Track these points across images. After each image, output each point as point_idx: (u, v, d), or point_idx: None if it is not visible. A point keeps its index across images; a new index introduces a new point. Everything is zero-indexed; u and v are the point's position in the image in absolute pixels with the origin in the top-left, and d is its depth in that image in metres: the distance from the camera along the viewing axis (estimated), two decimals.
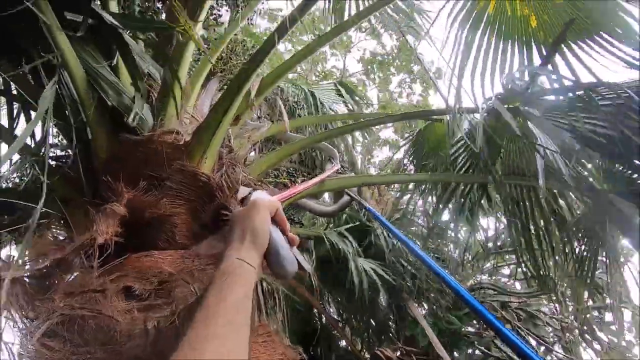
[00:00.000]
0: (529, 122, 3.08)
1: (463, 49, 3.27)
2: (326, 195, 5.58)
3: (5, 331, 1.82)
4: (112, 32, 2.36)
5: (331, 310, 5.49)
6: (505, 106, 3.12)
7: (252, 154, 2.99)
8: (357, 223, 4.93)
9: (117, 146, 2.19)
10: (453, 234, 4.18)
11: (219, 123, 2.11)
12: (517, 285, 7.79)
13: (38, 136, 3.03)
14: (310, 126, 4.66)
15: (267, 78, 2.63)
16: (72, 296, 1.64)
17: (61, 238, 3.98)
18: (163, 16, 3.47)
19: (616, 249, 3.42)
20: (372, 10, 2.75)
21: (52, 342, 1.54)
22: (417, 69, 13.10)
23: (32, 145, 2.92)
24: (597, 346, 6.97)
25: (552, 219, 3.47)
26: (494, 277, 7.29)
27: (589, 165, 3.28)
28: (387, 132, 12.63)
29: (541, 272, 3.70)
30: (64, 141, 3.36)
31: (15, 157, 3.43)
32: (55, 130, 2.86)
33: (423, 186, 4.00)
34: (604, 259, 3.51)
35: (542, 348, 5.96)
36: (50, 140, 2.96)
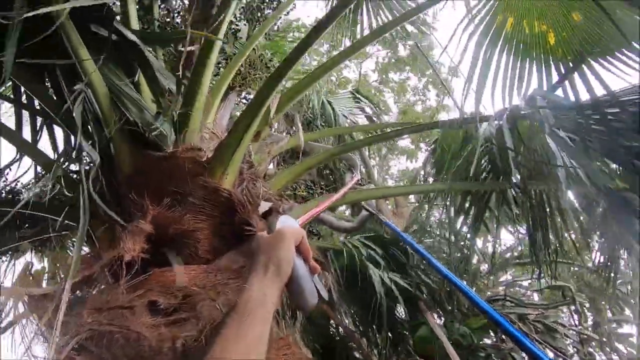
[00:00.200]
0: (548, 131, 3.08)
1: (481, 65, 3.28)
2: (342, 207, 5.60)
3: (34, 345, 1.86)
4: (133, 49, 2.42)
5: (347, 321, 5.48)
6: (523, 112, 3.14)
7: (271, 165, 3.03)
8: (375, 234, 4.92)
9: (140, 162, 2.24)
10: (472, 244, 4.13)
11: (240, 140, 2.15)
12: (535, 297, 7.74)
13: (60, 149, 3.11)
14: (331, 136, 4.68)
15: (286, 94, 2.67)
16: (100, 312, 1.68)
17: (84, 252, 4.05)
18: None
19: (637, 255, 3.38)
20: (394, 26, 2.78)
21: (81, 357, 1.58)
22: (431, 73, 13.08)
23: (56, 159, 3.00)
24: (615, 358, 6.90)
25: (574, 223, 3.44)
26: (511, 289, 7.24)
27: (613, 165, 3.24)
28: (404, 141, 12.60)
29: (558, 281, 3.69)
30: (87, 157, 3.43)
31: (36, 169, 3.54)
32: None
33: (442, 196, 3.97)
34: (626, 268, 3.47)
35: None
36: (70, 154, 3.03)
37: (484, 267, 5.63)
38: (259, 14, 3.78)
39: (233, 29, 3.55)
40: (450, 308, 5.10)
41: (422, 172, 4.17)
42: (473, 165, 3.26)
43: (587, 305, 7.38)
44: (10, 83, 3.22)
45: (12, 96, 3.15)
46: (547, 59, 3.41)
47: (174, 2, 3.50)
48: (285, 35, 4.50)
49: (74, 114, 2.07)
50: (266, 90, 2.21)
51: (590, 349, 6.56)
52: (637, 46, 3.02)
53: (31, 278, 4.83)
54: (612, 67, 3.13)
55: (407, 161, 12.99)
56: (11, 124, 3.02)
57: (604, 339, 7.00)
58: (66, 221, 2.35)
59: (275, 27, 4.32)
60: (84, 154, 3.53)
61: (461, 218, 3.81)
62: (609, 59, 3.16)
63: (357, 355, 5.56)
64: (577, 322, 6.93)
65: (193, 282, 1.85)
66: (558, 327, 6.00)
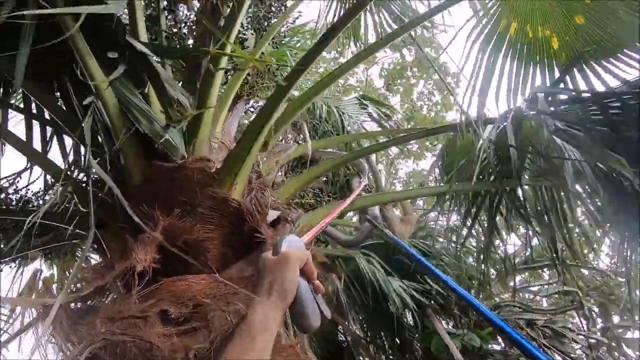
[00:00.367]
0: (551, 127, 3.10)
1: (485, 69, 3.30)
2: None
3: (49, 355, 1.89)
4: (142, 60, 2.44)
5: (355, 327, 5.49)
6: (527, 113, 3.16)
7: (279, 174, 3.04)
8: (383, 241, 4.93)
9: (150, 172, 2.27)
10: (485, 248, 4.11)
11: (248, 150, 2.17)
12: (544, 302, 7.71)
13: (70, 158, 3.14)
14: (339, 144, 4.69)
15: (294, 103, 2.69)
16: (113, 321, 1.70)
17: (94, 261, 4.09)
18: (190, 41, 3.58)
19: None
20: (401, 33, 2.80)
21: None
22: (436, 78, 13.08)
23: (66, 169, 3.03)
24: None
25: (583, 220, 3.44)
26: (520, 294, 7.22)
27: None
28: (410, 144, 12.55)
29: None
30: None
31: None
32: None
33: (452, 198, 3.96)
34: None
35: None
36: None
37: (493, 272, 5.61)
38: (266, 23, 3.81)
39: (240, 38, 3.57)
40: (458, 314, 5.11)
41: (430, 177, 4.16)
42: (480, 166, 3.26)
43: (596, 309, 7.36)
44: (20, 93, 3.26)
45: (22, 106, 3.17)
46: (551, 63, 3.43)
47: (180, 13, 3.53)
48: (289, 41, 4.53)
49: (83, 126, 2.10)
50: (274, 100, 2.23)
51: (599, 354, 6.53)
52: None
53: (40, 285, 4.88)
54: (614, 68, 3.15)
55: (414, 163, 13.02)
56: (21, 133, 3.05)
57: (613, 344, 6.97)
58: (77, 230, 2.39)
59: (281, 34, 4.34)
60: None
61: (469, 222, 3.80)
62: (611, 61, 3.18)
63: None
64: (585, 327, 6.90)
65: (203, 292, 1.87)
66: (566, 332, 5.98)
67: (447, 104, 13.16)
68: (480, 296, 5.58)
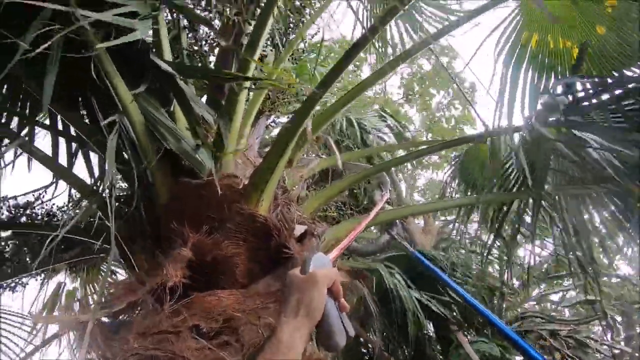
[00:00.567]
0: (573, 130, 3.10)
1: (507, 82, 3.30)
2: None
3: None
4: (168, 79, 2.49)
5: (377, 339, 5.47)
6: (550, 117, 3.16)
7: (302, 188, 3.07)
8: (405, 253, 4.92)
9: (178, 189, 2.31)
10: (509, 259, 4.07)
11: (274, 166, 2.21)
12: (566, 312, 7.63)
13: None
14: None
15: (317, 120, 2.72)
16: (145, 337, 1.74)
17: (121, 276, 4.15)
18: (211, 58, 3.65)
19: None
20: (425, 45, 2.82)
21: None
22: (455, 88, 13.03)
23: (92, 184, 3.09)
24: None
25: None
26: (542, 305, 7.15)
27: None
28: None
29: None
30: (124, 183, 3.52)
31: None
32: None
33: (474, 209, 3.94)
34: None
35: None
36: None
37: (515, 282, 5.58)
38: (284, 39, 3.86)
39: (260, 54, 3.62)
40: (479, 325, 5.08)
41: (448, 188, 4.16)
42: (502, 177, 3.24)
43: (619, 319, 7.26)
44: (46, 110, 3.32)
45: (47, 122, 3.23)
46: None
47: (201, 31, 3.59)
48: (307, 56, 4.57)
49: (108, 144, 2.14)
50: (300, 116, 2.27)
51: None
52: None
53: (63, 297, 4.95)
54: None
55: (433, 173, 12.96)
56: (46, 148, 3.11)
57: (637, 354, 6.87)
58: (104, 245, 2.43)
59: (300, 49, 4.39)
60: (120, 180, 3.65)
61: (492, 233, 3.79)
62: (633, 70, 3.16)
63: None
64: (609, 337, 6.81)
65: (233, 307, 1.90)
66: (590, 342, 5.92)
67: (465, 117, 13.10)
68: (503, 307, 5.54)
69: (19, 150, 3.16)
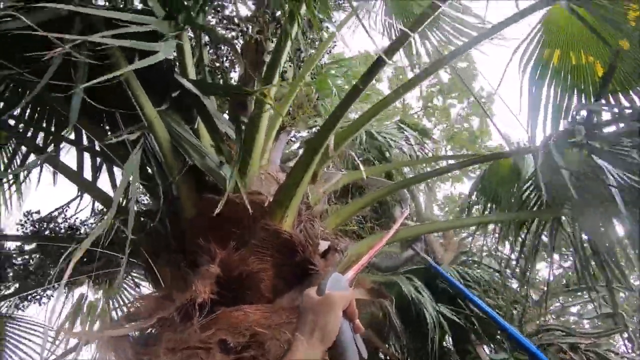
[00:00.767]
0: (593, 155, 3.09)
1: (529, 100, 3.31)
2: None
3: None
4: (192, 97, 2.54)
5: (396, 352, 5.45)
6: (570, 140, 3.15)
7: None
8: (425, 266, 4.91)
9: (203, 204, 2.34)
10: (528, 276, 4.06)
11: (299, 182, 2.24)
12: (585, 324, 7.54)
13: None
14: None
15: (341, 134, 2.75)
16: (175, 352, 1.77)
17: (145, 289, 4.19)
18: (232, 74, 3.71)
19: None
20: (450, 59, 2.85)
21: None
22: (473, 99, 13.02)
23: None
24: None
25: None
26: (562, 318, 7.08)
27: None
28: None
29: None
30: (148, 198, 3.58)
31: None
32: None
33: (495, 227, 3.95)
34: None
35: None
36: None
37: (535, 295, 5.54)
38: (303, 55, 3.90)
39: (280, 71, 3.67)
40: (500, 339, 5.04)
41: (469, 201, 4.16)
42: (523, 195, 3.24)
43: None
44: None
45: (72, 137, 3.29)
46: (596, 90, 3.36)
47: (222, 47, 3.64)
48: (327, 71, 4.61)
49: (133, 161, 2.18)
50: (324, 133, 2.31)
51: None
52: None
53: (84, 309, 5.02)
54: None
55: (451, 187, 12.90)
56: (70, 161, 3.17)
57: None
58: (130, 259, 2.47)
59: (320, 64, 4.43)
60: (144, 195, 3.70)
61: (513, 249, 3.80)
62: None
63: None
64: (630, 350, 6.72)
65: (259, 322, 1.93)
66: (611, 356, 5.84)
67: (483, 131, 13.08)
68: (523, 320, 5.50)
69: (44, 165, 3.24)
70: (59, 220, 4.03)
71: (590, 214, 3.34)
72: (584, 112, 3.29)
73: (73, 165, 3.17)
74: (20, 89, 2.89)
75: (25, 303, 4.16)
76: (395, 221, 3.17)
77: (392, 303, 2.65)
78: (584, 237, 3.52)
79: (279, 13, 3.30)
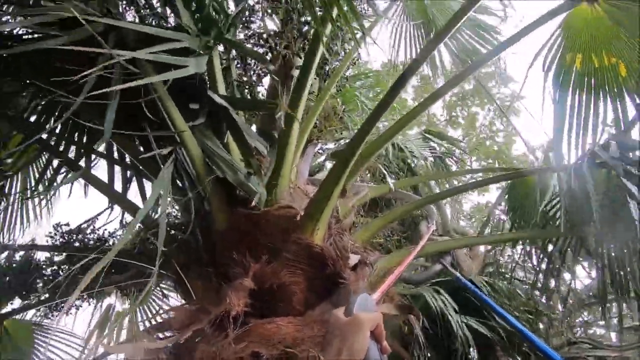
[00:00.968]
0: (622, 178, 3.06)
1: (555, 109, 3.30)
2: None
3: None
4: (223, 112, 2.59)
5: None
6: (598, 161, 3.13)
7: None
8: (451, 278, 4.90)
9: (235, 219, 2.38)
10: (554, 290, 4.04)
11: (329, 196, 2.27)
12: (612, 337, 7.40)
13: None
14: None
15: (368, 149, 2.77)
16: None
17: (173, 300, 4.23)
18: (259, 88, 3.75)
19: None
20: (473, 70, 2.86)
21: None
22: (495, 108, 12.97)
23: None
24: None
25: None
26: (589, 330, 6.96)
27: None
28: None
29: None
30: (177, 210, 3.63)
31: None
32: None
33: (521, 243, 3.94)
34: None
35: None
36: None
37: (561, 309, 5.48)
38: (327, 67, 3.94)
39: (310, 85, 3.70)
40: (527, 351, 4.98)
41: (495, 214, 4.16)
42: (549, 212, 3.23)
43: None
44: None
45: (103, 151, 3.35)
46: (621, 91, 3.33)
47: (249, 62, 3.69)
48: (353, 82, 4.65)
49: (163, 178, 2.21)
50: (354, 146, 2.33)
51: None
52: None
53: (112, 319, 5.08)
54: None
55: (479, 196, 12.77)
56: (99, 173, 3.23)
57: None
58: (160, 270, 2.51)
59: (345, 76, 4.46)
60: (175, 209, 3.75)
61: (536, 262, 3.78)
62: None
63: None
64: None
65: (292, 334, 1.95)
66: None
67: (507, 144, 13.00)
68: (550, 332, 5.43)
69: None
70: (88, 231, 4.09)
71: (617, 236, 3.31)
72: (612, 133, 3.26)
73: (102, 177, 3.23)
74: (52, 104, 2.96)
75: (55, 313, 4.23)
76: (422, 237, 3.19)
77: (418, 320, 2.63)
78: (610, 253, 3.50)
79: (305, 28, 3.35)
